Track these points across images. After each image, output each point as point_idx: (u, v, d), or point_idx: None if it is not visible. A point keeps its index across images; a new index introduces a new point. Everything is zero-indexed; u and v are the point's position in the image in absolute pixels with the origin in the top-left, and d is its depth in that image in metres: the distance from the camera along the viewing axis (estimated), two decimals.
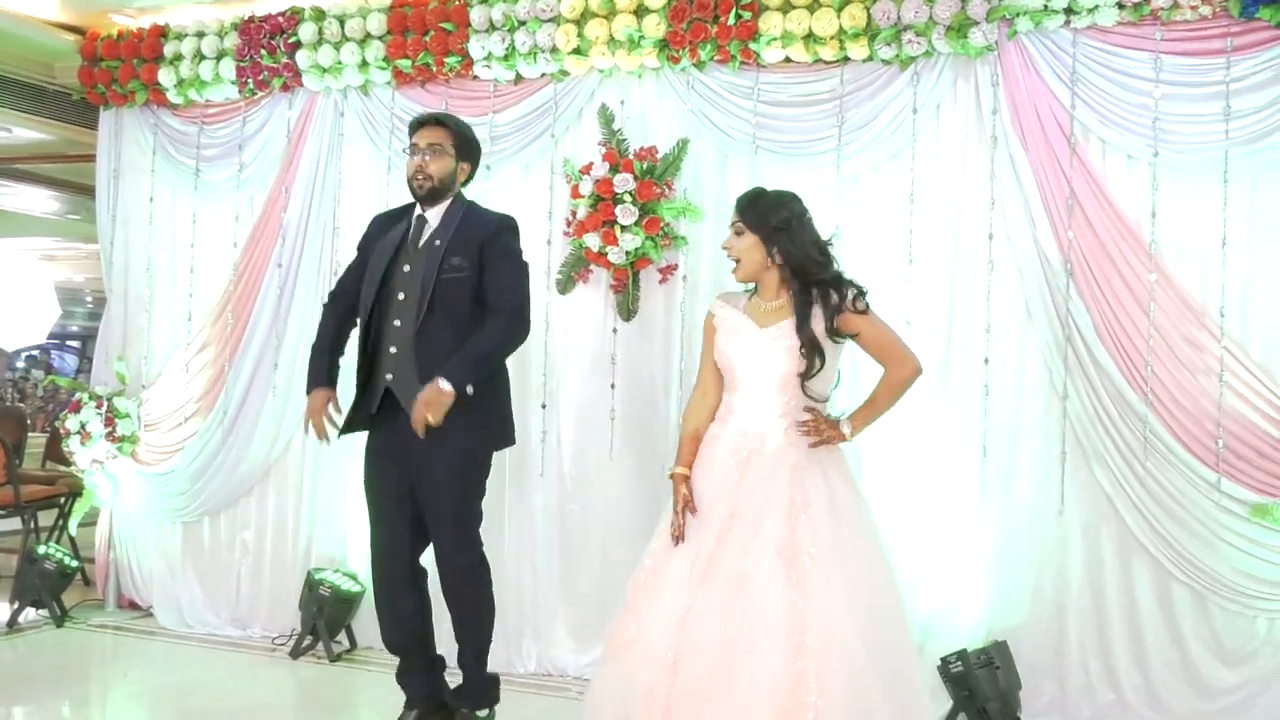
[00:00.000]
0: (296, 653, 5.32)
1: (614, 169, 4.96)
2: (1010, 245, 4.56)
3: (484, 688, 4.06)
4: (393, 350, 3.92)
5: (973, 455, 4.57)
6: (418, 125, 4.06)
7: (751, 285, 3.62)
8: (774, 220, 3.49)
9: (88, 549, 6.48)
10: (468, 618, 4.00)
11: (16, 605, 5.93)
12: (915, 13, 4.52)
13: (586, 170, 5.03)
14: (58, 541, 6.66)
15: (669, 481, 3.57)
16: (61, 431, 6.11)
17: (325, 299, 4.13)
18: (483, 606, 4.04)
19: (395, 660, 4.14)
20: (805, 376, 3.44)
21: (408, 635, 4.02)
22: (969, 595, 4.56)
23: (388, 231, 4.07)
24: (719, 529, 3.36)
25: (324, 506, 5.59)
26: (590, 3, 5.00)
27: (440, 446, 3.77)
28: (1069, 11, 4.42)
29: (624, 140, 5.03)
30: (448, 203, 4.02)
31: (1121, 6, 4.35)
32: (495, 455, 4.14)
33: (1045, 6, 4.42)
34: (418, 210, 4.03)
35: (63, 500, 6.96)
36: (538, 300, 5.15)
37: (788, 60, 4.81)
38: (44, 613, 5.95)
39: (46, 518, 7.01)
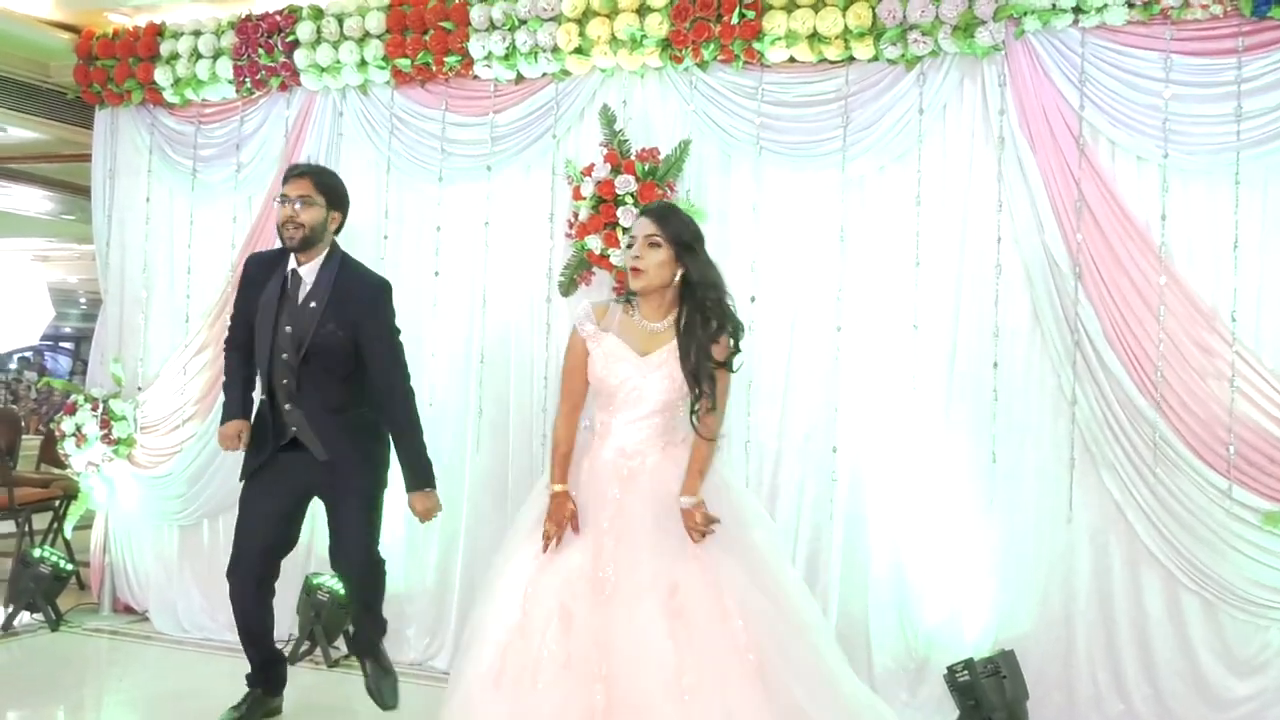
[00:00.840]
0: (294, 658, 5.24)
1: (616, 170, 4.88)
2: (1018, 248, 4.48)
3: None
4: (287, 407, 4.18)
5: (981, 461, 4.49)
6: (287, 178, 4.24)
7: (625, 297, 3.63)
8: (686, 236, 3.49)
9: (83, 552, 6.42)
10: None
11: (11, 609, 5.87)
12: (921, 12, 4.44)
13: (588, 171, 4.94)
14: (52, 545, 6.61)
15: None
16: (57, 434, 6.03)
17: (224, 344, 4.49)
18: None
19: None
20: (693, 409, 3.48)
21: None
22: (976, 604, 4.48)
23: (265, 279, 4.24)
24: (610, 545, 3.38)
25: (321, 512, 5.46)
26: (592, 1, 4.92)
27: (346, 487, 4.22)
28: (1077, 11, 4.34)
29: (626, 141, 4.95)
30: (322, 257, 4.18)
31: (1131, 5, 4.27)
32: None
33: (1053, 6, 4.34)
34: (291, 263, 4.18)
35: (57, 503, 6.92)
36: (540, 301, 5.12)
37: (792, 60, 4.73)
38: (39, 617, 5.89)
39: (41, 521, 6.97)
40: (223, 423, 4.32)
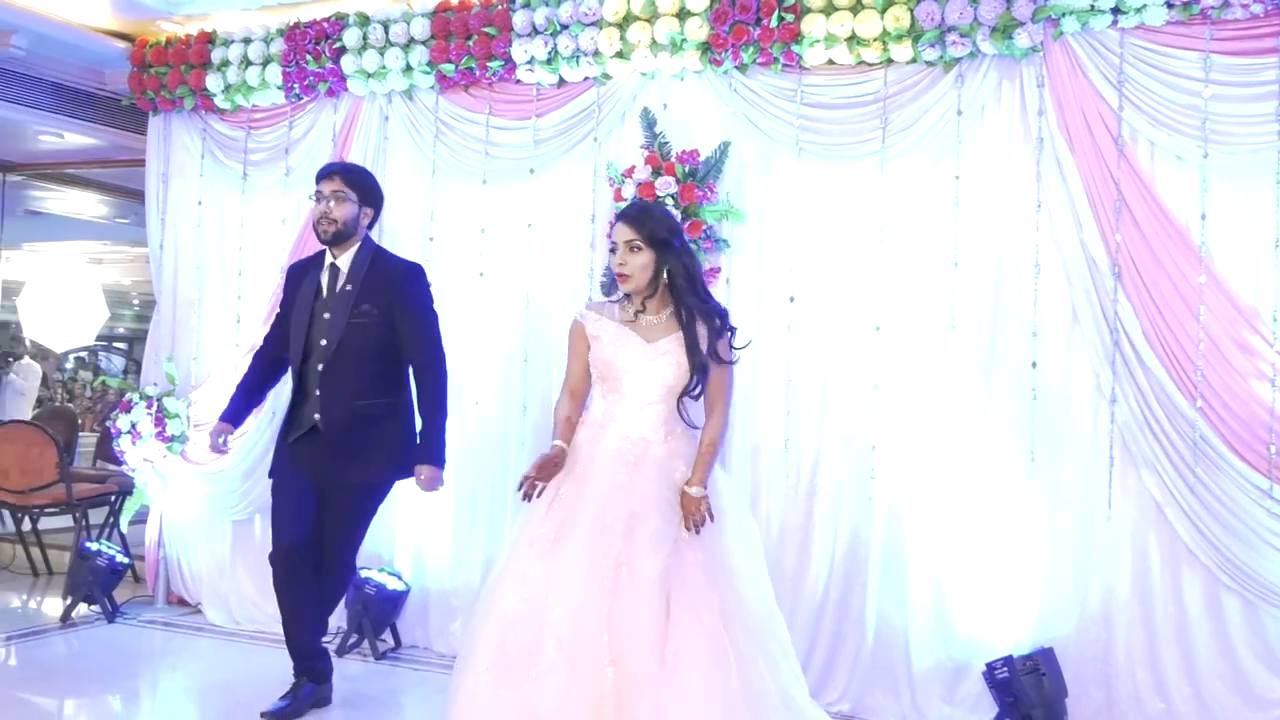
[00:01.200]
0: (342, 650, 5.32)
1: (656, 172, 4.91)
2: (1057, 248, 4.46)
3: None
4: (316, 393, 4.30)
5: (1019, 460, 4.47)
6: (320, 177, 4.38)
7: (621, 295, 3.74)
8: (663, 233, 3.60)
9: (138, 547, 6.52)
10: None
11: (70, 600, 5.98)
12: (960, 14, 4.43)
13: (629, 173, 4.97)
14: (108, 539, 6.72)
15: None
16: (112, 431, 6.14)
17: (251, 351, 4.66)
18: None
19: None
20: (690, 393, 3.59)
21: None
22: (1015, 602, 4.47)
23: (300, 279, 4.43)
24: (618, 530, 3.45)
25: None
26: (632, 6, 4.95)
27: (348, 479, 4.34)
28: (1116, 11, 4.30)
29: (666, 143, 4.97)
30: (355, 248, 4.33)
31: (1170, 6, 4.23)
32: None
33: (1092, 6, 4.31)
34: (329, 258, 4.35)
35: (113, 498, 7.02)
36: (582, 301, 5.15)
37: (830, 62, 4.74)
38: (96, 609, 6.00)
39: (97, 516, 7.07)
40: (220, 419, 4.61)
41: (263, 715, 4.33)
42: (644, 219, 3.64)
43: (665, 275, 3.61)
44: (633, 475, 3.55)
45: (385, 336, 4.29)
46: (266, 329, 4.81)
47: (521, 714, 3.28)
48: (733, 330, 3.68)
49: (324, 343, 4.26)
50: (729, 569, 3.51)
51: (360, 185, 4.38)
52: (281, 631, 4.47)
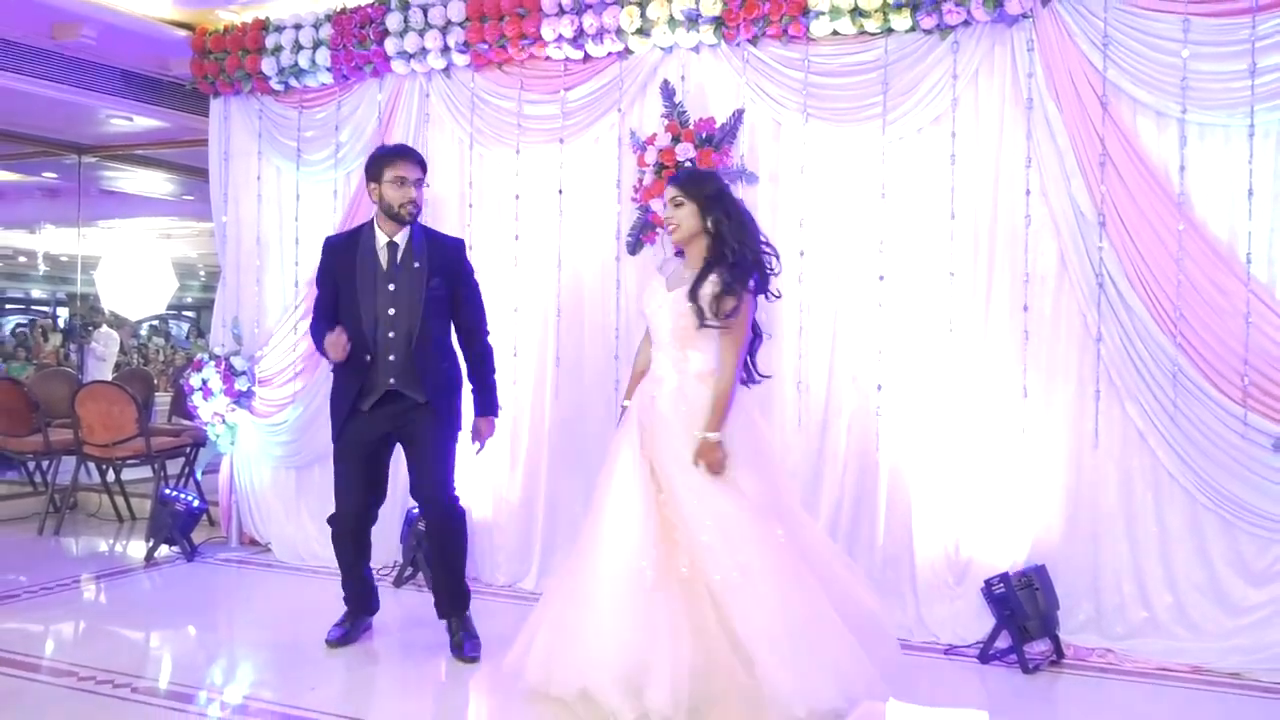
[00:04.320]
0: (399, 581, 5.48)
1: (676, 139, 4.98)
2: (1046, 200, 4.51)
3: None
4: (391, 358, 4.30)
5: (1013, 395, 4.55)
6: (404, 160, 4.32)
7: (678, 253, 3.93)
8: (708, 189, 3.75)
9: (211, 493, 6.67)
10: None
11: (152, 543, 6.14)
12: None
13: (651, 140, 5.05)
14: (185, 486, 6.88)
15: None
16: (185, 388, 6.29)
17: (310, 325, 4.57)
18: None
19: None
20: (699, 322, 3.66)
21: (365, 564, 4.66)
22: (1011, 524, 4.56)
23: (348, 258, 4.37)
24: (644, 465, 3.73)
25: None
26: None
27: (436, 431, 4.37)
28: None
29: (684, 112, 5.04)
30: (409, 226, 4.35)
31: None
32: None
33: None
34: (382, 235, 4.33)
35: (188, 450, 7.18)
36: (609, 261, 5.25)
37: (835, 33, 4.78)
38: (176, 549, 6.16)
39: (174, 466, 7.24)
40: (323, 342, 4.30)
41: (328, 643, 4.50)
42: (685, 179, 3.88)
43: (709, 224, 3.73)
44: (644, 413, 3.78)
45: (448, 305, 4.40)
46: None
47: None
48: (752, 289, 3.69)
49: (392, 311, 4.28)
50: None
51: (425, 171, 4.45)
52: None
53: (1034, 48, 4.49)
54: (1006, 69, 4.59)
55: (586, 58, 5.29)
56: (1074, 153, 4.41)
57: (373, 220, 4.39)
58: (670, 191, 3.82)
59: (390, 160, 4.33)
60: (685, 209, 3.75)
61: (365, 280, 4.32)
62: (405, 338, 4.29)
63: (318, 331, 4.40)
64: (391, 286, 4.30)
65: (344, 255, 4.39)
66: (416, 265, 4.32)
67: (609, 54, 5.23)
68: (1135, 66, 4.35)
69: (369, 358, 4.29)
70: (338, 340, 4.22)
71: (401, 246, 4.33)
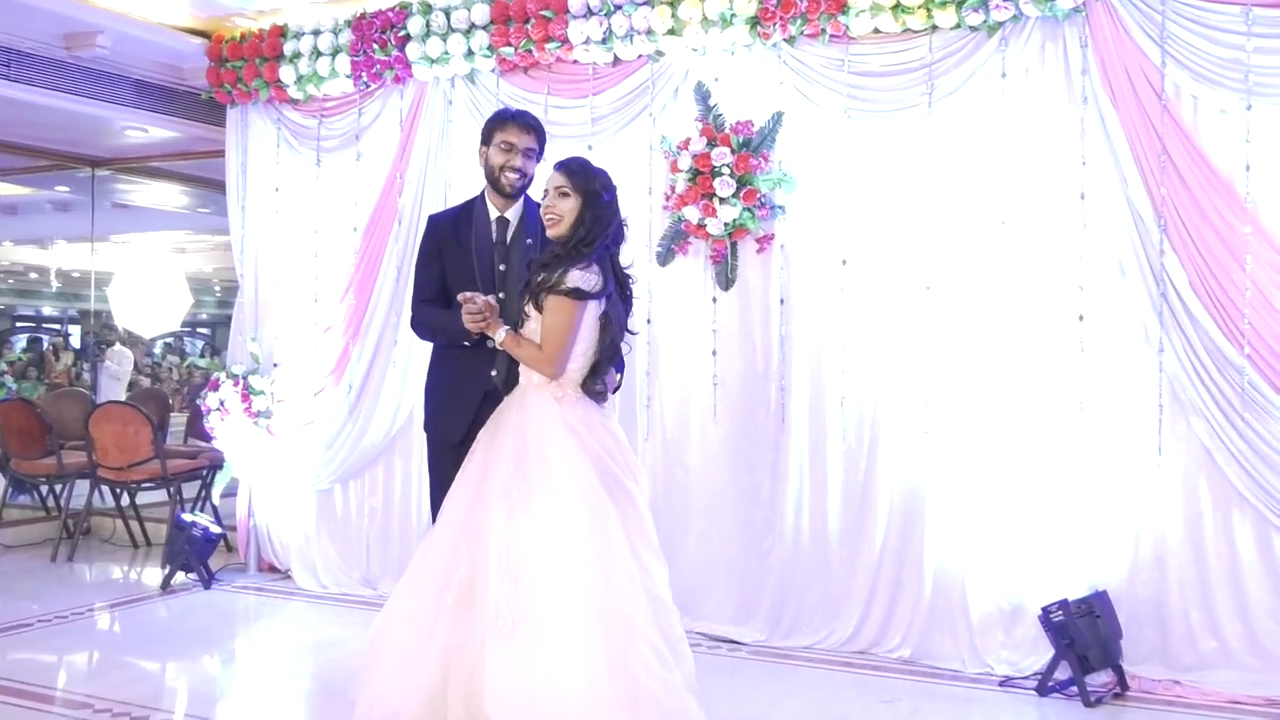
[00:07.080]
0: None
1: (711, 143, 4.96)
2: (1102, 203, 4.45)
3: None
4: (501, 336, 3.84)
5: (1070, 411, 4.49)
6: (514, 124, 3.92)
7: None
8: (595, 186, 3.53)
9: (229, 518, 6.71)
10: None
11: (168, 569, 6.18)
12: None
13: (684, 145, 5.03)
14: (202, 511, 6.92)
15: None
16: (202, 409, 6.32)
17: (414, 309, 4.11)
18: None
19: None
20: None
21: None
22: (1069, 547, 4.50)
23: (454, 232, 3.97)
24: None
25: None
26: None
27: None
28: None
29: (720, 115, 5.02)
30: (521, 200, 3.96)
31: None
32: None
33: None
34: (494, 210, 3.95)
35: (205, 473, 7.21)
36: (639, 270, 5.20)
37: (876, 31, 4.76)
38: (193, 576, 6.19)
39: (190, 490, 7.28)
40: (454, 330, 3.77)
41: None
42: (578, 170, 3.58)
43: (582, 224, 3.51)
44: (494, 419, 3.62)
45: None
46: (349, 301, 4.61)
47: None
48: (569, 292, 3.42)
49: (502, 295, 3.83)
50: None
51: (543, 143, 4.02)
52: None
53: (1087, 43, 4.45)
54: (1058, 66, 4.54)
55: (616, 61, 5.29)
56: (1131, 153, 4.36)
57: (483, 193, 3.99)
58: (557, 179, 3.52)
59: (501, 123, 3.94)
60: (570, 201, 3.49)
61: (483, 260, 3.92)
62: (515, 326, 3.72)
63: (426, 318, 3.99)
64: (502, 267, 3.91)
65: (451, 235, 3.98)
66: (529, 241, 3.90)
67: (639, 56, 5.23)
68: (1195, 61, 4.30)
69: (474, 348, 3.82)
70: (486, 304, 3.65)
71: (514, 223, 3.95)
